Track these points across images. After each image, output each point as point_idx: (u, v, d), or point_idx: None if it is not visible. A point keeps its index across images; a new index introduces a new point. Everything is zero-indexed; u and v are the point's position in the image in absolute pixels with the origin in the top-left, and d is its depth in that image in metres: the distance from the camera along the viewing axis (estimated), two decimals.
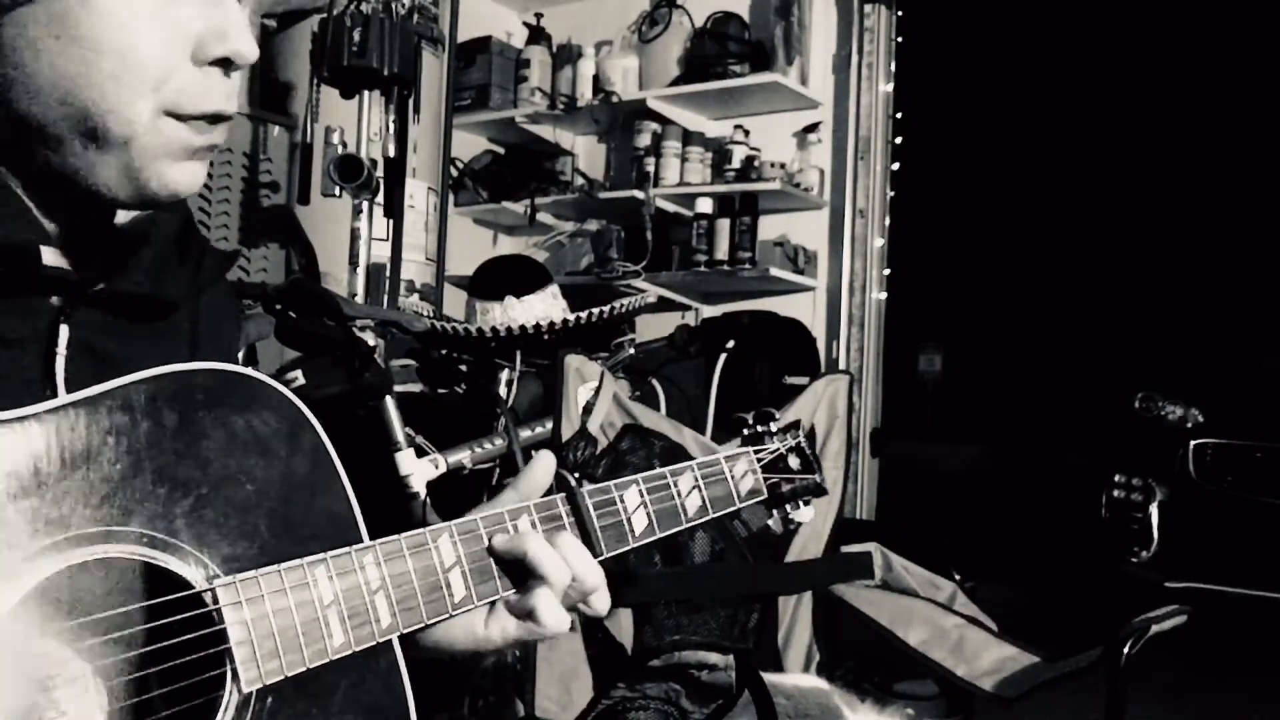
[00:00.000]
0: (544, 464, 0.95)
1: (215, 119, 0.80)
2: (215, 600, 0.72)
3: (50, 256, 0.78)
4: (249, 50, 0.78)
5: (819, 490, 1.22)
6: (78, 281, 0.79)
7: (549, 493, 0.94)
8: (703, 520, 1.05)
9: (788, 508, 1.21)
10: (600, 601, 0.93)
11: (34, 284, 0.77)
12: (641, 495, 0.99)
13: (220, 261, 0.94)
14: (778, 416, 1.21)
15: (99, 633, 0.68)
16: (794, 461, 1.20)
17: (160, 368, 0.74)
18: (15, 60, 0.73)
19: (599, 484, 0.96)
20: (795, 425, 1.22)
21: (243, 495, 0.76)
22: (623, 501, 0.97)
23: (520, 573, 0.88)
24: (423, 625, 0.82)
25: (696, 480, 1.05)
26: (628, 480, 0.99)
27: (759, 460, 1.15)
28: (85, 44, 0.73)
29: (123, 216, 0.87)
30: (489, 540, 0.87)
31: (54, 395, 0.76)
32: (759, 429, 1.19)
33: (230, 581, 0.72)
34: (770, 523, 1.22)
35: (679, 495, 1.03)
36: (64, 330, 0.78)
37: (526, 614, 0.87)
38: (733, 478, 1.10)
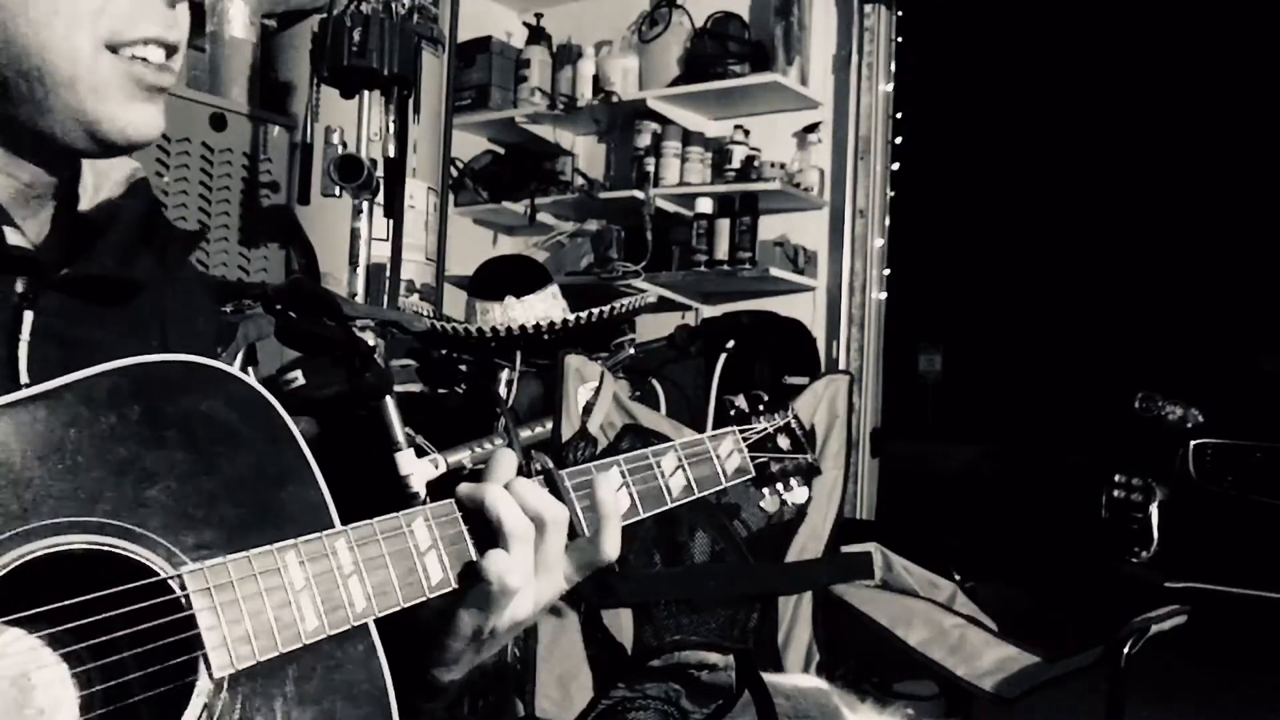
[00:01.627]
0: (505, 463, 0.89)
1: (163, 49, 0.79)
2: (183, 587, 0.71)
3: (13, 237, 0.77)
4: None
5: (812, 469, 1.20)
6: (43, 262, 0.79)
7: (527, 474, 0.92)
8: (688, 500, 1.03)
9: (779, 487, 1.19)
10: (607, 543, 0.88)
11: None
12: (623, 476, 0.97)
13: (186, 242, 0.93)
14: (766, 399, 1.20)
15: (67, 622, 0.68)
16: (784, 441, 1.19)
17: (123, 360, 0.73)
18: None
19: (579, 465, 0.94)
20: (784, 405, 1.21)
21: (210, 484, 0.75)
22: None
23: (492, 542, 0.85)
24: (399, 608, 0.81)
25: (680, 460, 1.03)
26: (608, 461, 0.97)
27: (745, 440, 1.14)
28: None
29: (85, 204, 0.86)
30: (455, 495, 0.86)
31: (15, 384, 0.75)
32: (745, 410, 1.18)
33: (198, 568, 0.72)
34: (764, 503, 1.20)
35: (662, 475, 1.01)
36: (28, 316, 0.77)
37: (477, 576, 0.83)
38: (718, 457, 1.09)
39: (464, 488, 0.86)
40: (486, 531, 0.85)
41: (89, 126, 0.78)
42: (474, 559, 0.85)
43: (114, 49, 0.77)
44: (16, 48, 0.75)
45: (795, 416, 1.21)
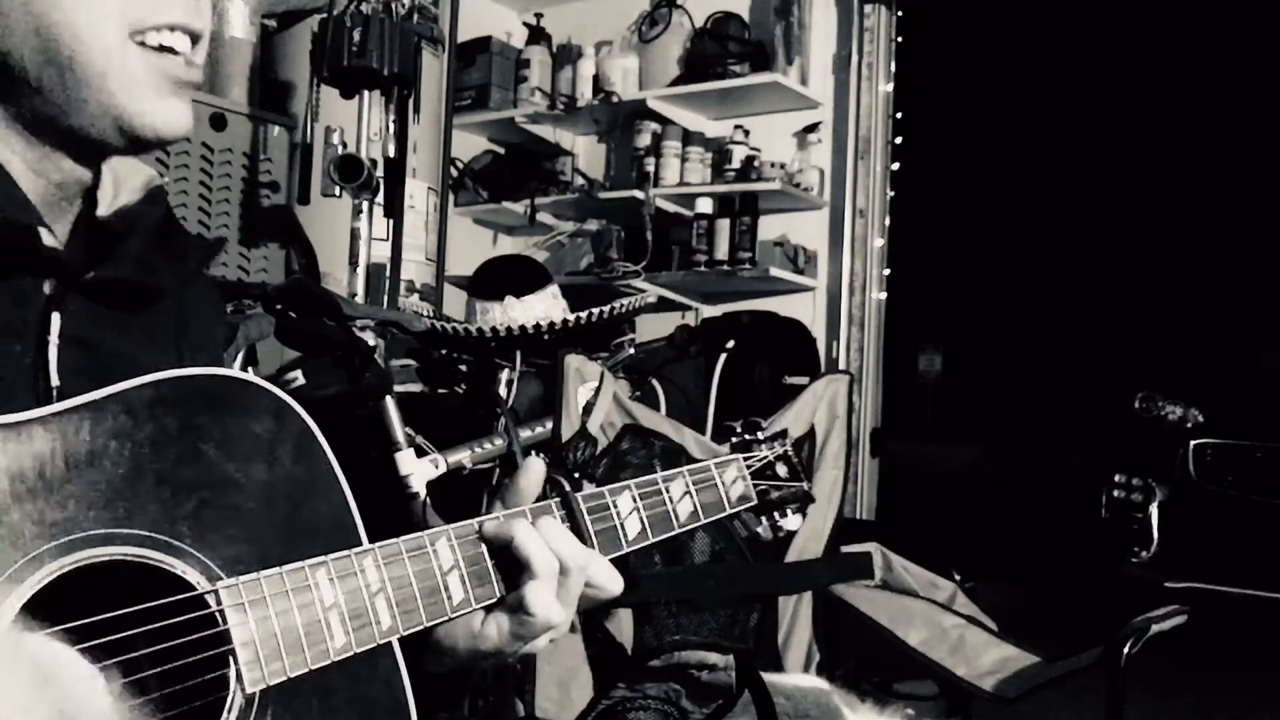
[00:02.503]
0: (533, 474, 0.93)
1: (188, 36, 0.80)
2: (219, 602, 0.72)
3: (47, 238, 0.78)
4: None
5: (806, 498, 1.23)
6: (72, 265, 0.79)
7: (543, 497, 0.94)
8: (694, 526, 1.06)
9: (776, 515, 1.22)
10: (605, 580, 0.92)
11: (31, 265, 0.77)
12: (634, 501, 1.00)
13: (206, 251, 0.94)
14: (765, 425, 1.22)
15: (103, 634, 0.68)
16: (781, 469, 1.21)
17: (162, 373, 0.74)
18: None
19: (593, 489, 0.97)
20: (783, 434, 1.24)
21: (244, 498, 0.76)
22: (616, 507, 0.98)
23: (513, 567, 0.87)
24: (422, 627, 0.82)
25: (688, 486, 1.06)
26: (620, 486, 0.99)
27: (748, 467, 1.16)
28: None
29: (104, 209, 0.87)
30: (479, 527, 0.88)
31: (47, 386, 0.76)
32: (747, 437, 1.20)
33: (234, 584, 0.73)
34: (759, 530, 1.23)
35: (671, 501, 1.03)
36: (56, 319, 0.78)
37: (518, 605, 0.87)
38: (723, 484, 1.11)
39: (490, 526, 0.88)
40: (506, 556, 0.87)
41: (120, 121, 0.79)
42: (498, 588, 0.87)
43: (140, 38, 0.78)
44: (49, 40, 0.75)
45: (793, 444, 1.23)
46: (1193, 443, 4.33)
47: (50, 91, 0.77)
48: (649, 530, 1.00)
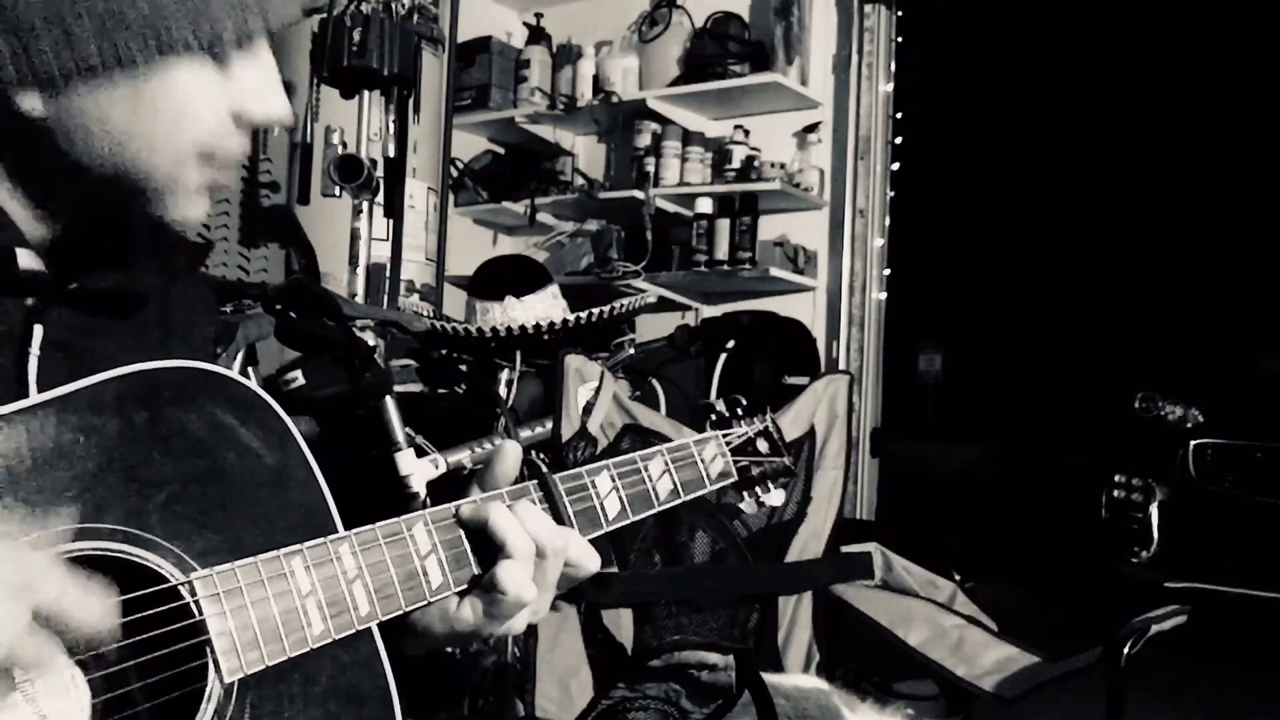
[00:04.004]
0: (509, 458, 0.93)
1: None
2: (194, 593, 0.72)
3: (25, 259, 0.78)
4: (288, 114, 0.87)
5: (788, 471, 1.23)
6: (52, 281, 0.79)
7: (521, 480, 0.94)
8: (675, 504, 1.06)
9: (758, 490, 1.22)
10: (581, 558, 0.92)
11: (8, 286, 0.77)
12: (613, 480, 1.00)
13: (194, 253, 0.94)
14: (744, 402, 1.22)
15: None
16: (763, 445, 1.21)
17: (128, 366, 0.74)
18: (77, 110, 0.74)
19: (571, 470, 0.97)
20: (763, 409, 1.23)
21: (216, 489, 0.76)
22: (594, 486, 0.98)
23: (490, 550, 0.87)
24: (401, 612, 0.82)
25: (667, 464, 1.06)
26: (599, 465, 1.00)
27: (728, 444, 1.16)
28: (148, 107, 0.75)
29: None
30: (456, 511, 0.88)
31: (25, 395, 0.75)
32: (726, 414, 1.20)
33: (208, 574, 0.73)
34: (743, 505, 1.23)
35: (650, 479, 1.04)
36: (37, 330, 0.78)
37: (491, 585, 0.86)
38: (703, 461, 1.12)
39: (466, 509, 0.88)
40: (483, 538, 0.87)
41: (155, 217, 0.81)
42: (476, 571, 0.87)
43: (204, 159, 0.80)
44: (124, 160, 0.76)
45: (773, 420, 1.23)
46: (1193, 443, 4.33)
47: (98, 195, 0.78)
48: (629, 509, 1.01)
